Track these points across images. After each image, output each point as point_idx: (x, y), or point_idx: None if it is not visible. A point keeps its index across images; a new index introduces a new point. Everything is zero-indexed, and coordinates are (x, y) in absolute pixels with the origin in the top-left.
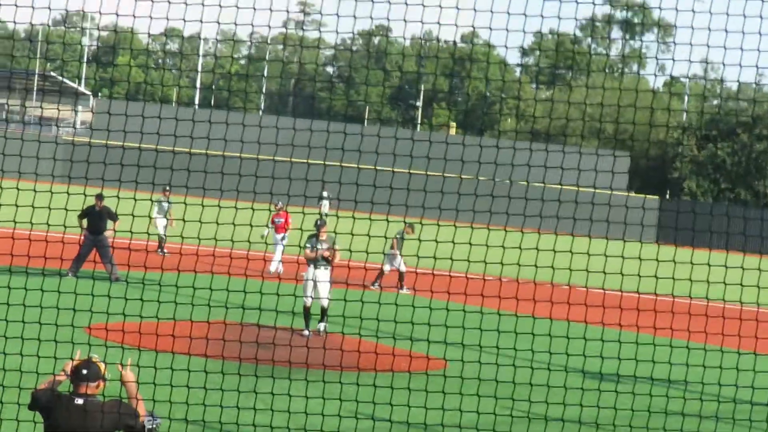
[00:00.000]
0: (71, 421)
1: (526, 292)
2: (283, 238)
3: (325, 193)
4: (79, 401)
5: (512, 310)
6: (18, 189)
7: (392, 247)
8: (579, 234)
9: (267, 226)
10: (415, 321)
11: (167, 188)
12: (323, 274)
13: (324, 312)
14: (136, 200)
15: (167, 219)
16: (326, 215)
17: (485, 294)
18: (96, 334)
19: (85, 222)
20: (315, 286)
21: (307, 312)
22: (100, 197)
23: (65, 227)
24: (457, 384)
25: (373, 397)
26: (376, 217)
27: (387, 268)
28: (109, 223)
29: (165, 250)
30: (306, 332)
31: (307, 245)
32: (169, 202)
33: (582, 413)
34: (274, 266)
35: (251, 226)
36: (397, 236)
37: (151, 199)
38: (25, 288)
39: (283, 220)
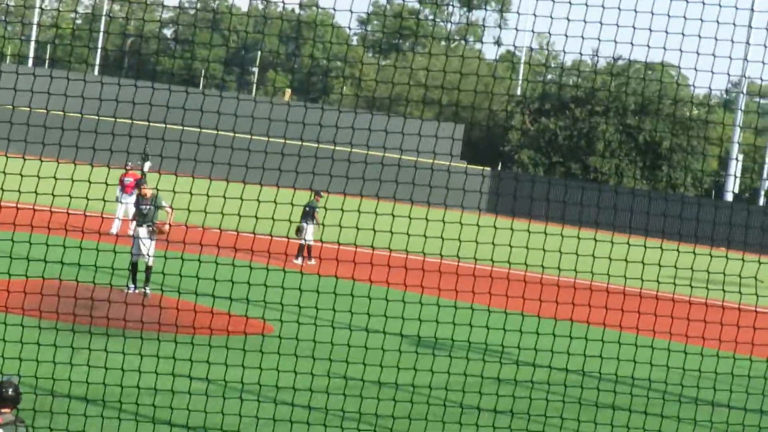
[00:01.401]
0: None
1: (348, 255)
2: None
3: (147, 150)
4: None
5: (334, 275)
6: None
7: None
8: (414, 202)
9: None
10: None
11: None
12: (144, 231)
13: (148, 271)
14: None
15: None
16: (146, 174)
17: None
18: None
19: None
20: (139, 244)
21: (133, 268)
22: None
23: None
24: (278, 345)
25: (190, 356)
26: (199, 178)
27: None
28: None
29: None
30: (130, 288)
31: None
32: None
33: (399, 377)
34: (115, 228)
35: (72, 181)
36: (307, 207)
37: None
38: None
39: (132, 179)
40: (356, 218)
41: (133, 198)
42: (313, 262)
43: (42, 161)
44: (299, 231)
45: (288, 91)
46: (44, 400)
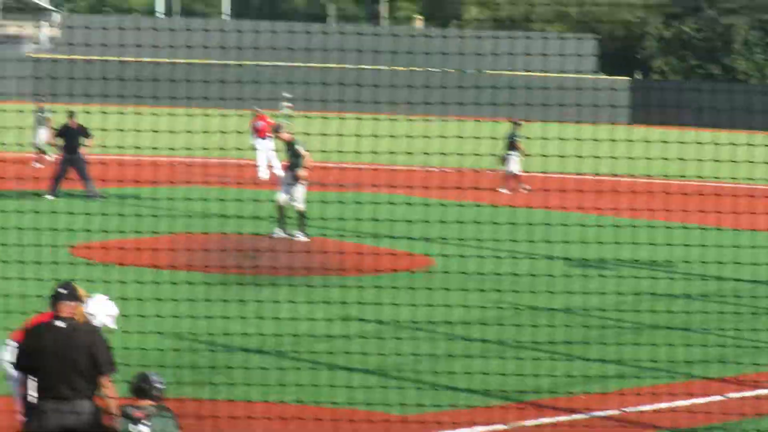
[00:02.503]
0: (53, 343)
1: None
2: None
3: (286, 94)
4: (59, 323)
5: (487, 202)
6: None
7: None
8: (550, 120)
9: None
10: (395, 219)
11: (41, 98)
12: (289, 175)
13: (301, 216)
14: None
15: (46, 129)
16: (289, 117)
17: (450, 186)
18: (79, 253)
19: (60, 141)
20: (289, 189)
21: (280, 211)
22: (72, 115)
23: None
24: (444, 280)
25: (359, 298)
26: (348, 116)
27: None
28: (84, 140)
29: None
30: (277, 232)
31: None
32: (44, 113)
33: (570, 300)
34: (264, 173)
35: (222, 133)
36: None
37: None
38: (2, 211)
39: (263, 123)
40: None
41: (268, 142)
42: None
43: (171, 113)
44: (504, 161)
45: (418, 18)
46: (220, 356)
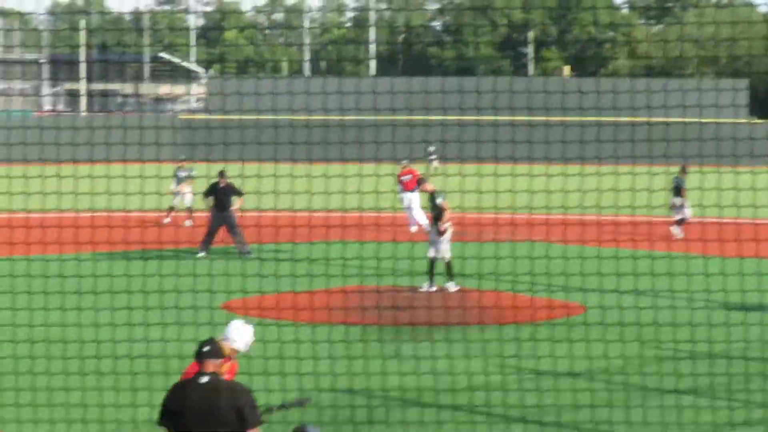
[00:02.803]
0: (197, 401)
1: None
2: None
3: (431, 148)
4: (204, 379)
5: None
6: (142, 176)
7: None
8: (707, 165)
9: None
10: (550, 269)
11: (183, 158)
12: (434, 228)
13: (448, 268)
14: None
15: (185, 189)
16: (435, 169)
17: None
18: (233, 309)
19: (210, 200)
20: (435, 242)
21: (430, 264)
22: (222, 174)
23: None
24: (599, 330)
25: (518, 349)
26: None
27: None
28: (234, 199)
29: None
30: (425, 286)
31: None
32: (189, 172)
33: (730, 348)
34: (414, 226)
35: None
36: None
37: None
38: (159, 274)
39: (410, 176)
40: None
41: (415, 195)
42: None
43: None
44: (673, 207)
45: (566, 68)
46: (378, 410)
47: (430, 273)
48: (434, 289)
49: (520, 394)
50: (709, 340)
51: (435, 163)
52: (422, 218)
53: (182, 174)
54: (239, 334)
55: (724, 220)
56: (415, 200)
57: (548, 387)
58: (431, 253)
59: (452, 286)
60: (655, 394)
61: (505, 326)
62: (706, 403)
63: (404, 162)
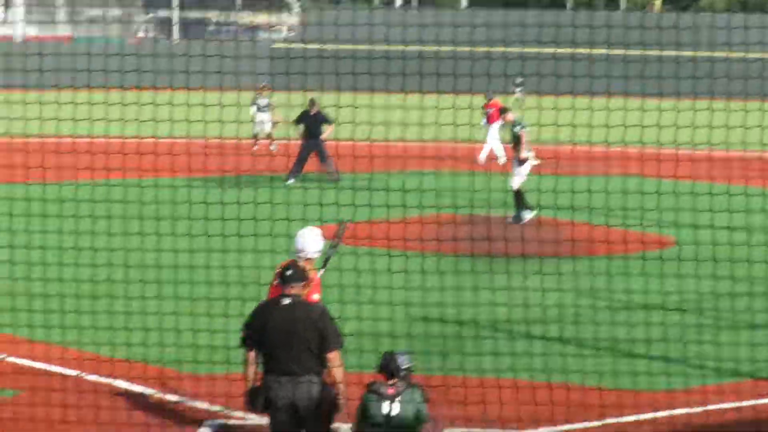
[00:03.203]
0: (280, 322)
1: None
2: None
3: (519, 80)
4: (287, 301)
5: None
6: (239, 103)
7: None
8: None
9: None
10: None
11: (262, 85)
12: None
13: (517, 197)
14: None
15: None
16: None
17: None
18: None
19: (301, 127)
20: (517, 171)
21: (515, 194)
22: (313, 102)
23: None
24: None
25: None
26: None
27: None
28: (325, 127)
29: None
30: (510, 217)
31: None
32: (268, 101)
33: None
34: (502, 158)
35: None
36: None
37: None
38: (255, 202)
39: (493, 109)
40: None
41: (495, 127)
42: None
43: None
44: None
45: (657, 2)
46: (454, 332)
47: (518, 203)
48: (530, 216)
49: (611, 326)
50: None
51: (518, 94)
52: (500, 150)
53: (262, 102)
54: (308, 243)
55: None
56: (494, 132)
57: (639, 320)
58: (513, 184)
59: (528, 213)
60: (746, 330)
61: (596, 258)
62: None
63: (490, 94)
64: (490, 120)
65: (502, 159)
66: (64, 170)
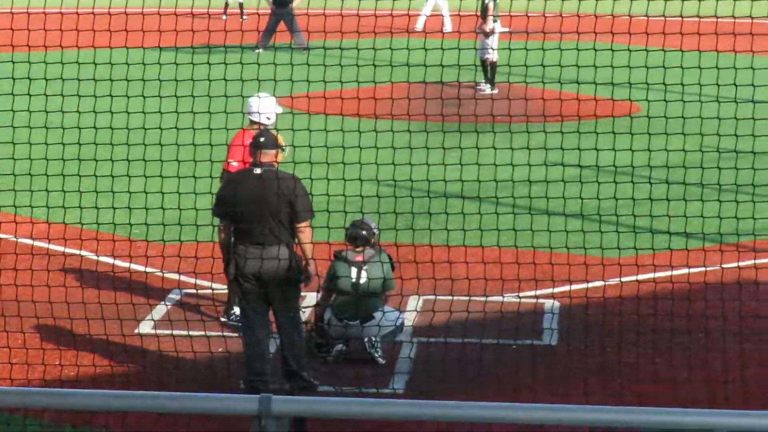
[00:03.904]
0: (251, 190)
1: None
2: None
3: None
4: (257, 171)
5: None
6: None
7: None
8: None
9: None
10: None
11: None
12: (485, 26)
13: (491, 69)
14: None
15: None
16: None
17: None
18: (285, 103)
19: None
20: (483, 41)
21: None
22: None
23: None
24: (647, 124)
25: (561, 143)
26: None
27: None
28: None
29: (244, 16)
30: (481, 85)
31: None
32: None
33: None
34: (420, 22)
35: None
36: None
37: None
38: (224, 63)
39: None
40: None
41: None
42: None
43: None
44: None
45: None
46: (422, 202)
47: (487, 73)
48: (495, 91)
49: (558, 185)
50: (753, 135)
51: None
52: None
53: None
54: (262, 107)
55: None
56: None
57: (591, 179)
58: (492, 57)
59: (488, 88)
60: (696, 189)
61: (565, 124)
62: (763, 198)
63: None
64: None
65: (448, 27)
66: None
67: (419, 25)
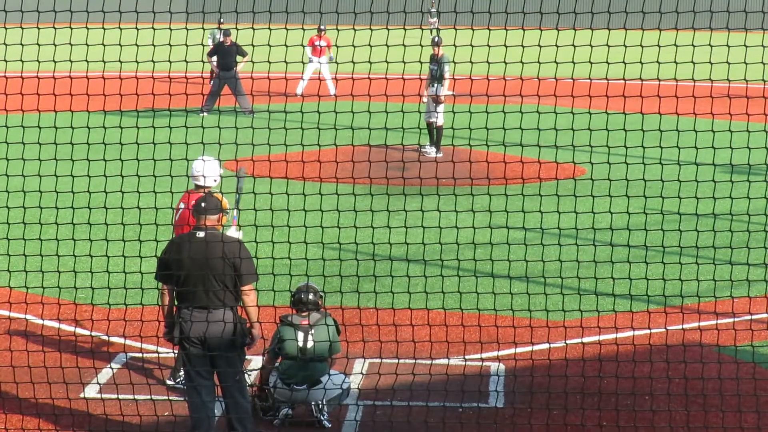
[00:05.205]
0: (194, 254)
1: (651, 90)
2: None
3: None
4: (201, 234)
5: (639, 111)
6: (137, 29)
7: None
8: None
9: None
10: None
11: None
12: (431, 91)
13: (439, 131)
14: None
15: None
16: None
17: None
18: (228, 166)
19: (215, 60)
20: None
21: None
22: (227, 33)
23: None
24: (590, 186)
25: (505, 206)
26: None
27: None
28: (239, 59)
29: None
30: (426, 148)
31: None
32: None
33: (715, 206)
34: (300, 87)
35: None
36: None
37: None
38: (169, 126)
39: (325, 44)
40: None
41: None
42: None
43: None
44: None
45: None
46: (367, 265)
47: (433, 138)
48: (440, 154)
49: (503, 247)
50: (696, 197)
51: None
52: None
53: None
54: (206, 170)
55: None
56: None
57: (535, 242)
58: (438, 120)
59: (434, 152)
60: (640, 251)
61: (510, 187)
62: (707, 260)
63: (322, 27)
64: (314, 53)
65: (332, 90)
66: None
67: (299, 90)
